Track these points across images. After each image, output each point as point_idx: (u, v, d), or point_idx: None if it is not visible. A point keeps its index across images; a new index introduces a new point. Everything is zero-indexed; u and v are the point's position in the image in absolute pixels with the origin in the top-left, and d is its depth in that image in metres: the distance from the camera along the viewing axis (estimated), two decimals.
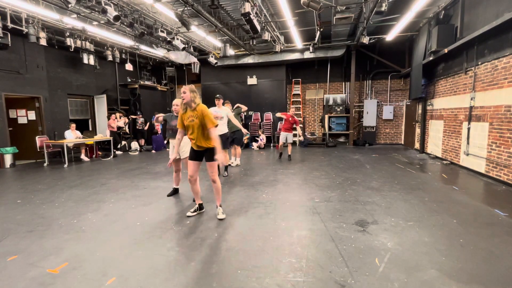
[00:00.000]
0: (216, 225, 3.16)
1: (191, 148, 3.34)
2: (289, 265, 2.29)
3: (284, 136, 7.36)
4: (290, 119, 7.31)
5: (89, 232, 3.03)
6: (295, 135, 11.01)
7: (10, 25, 6.17)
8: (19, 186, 5.12)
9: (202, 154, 3.30)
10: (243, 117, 9.63)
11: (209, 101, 12.16)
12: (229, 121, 5.74)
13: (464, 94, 6.08)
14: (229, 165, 6.44)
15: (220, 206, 3.43)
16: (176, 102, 4.06)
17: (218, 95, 5.76)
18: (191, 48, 9.23)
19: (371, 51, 10.24)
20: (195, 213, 3.50)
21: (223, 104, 5.91)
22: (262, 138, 10.44)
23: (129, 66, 10.45)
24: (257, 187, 4.73)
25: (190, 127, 3.21)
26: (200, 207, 3.57)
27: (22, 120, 8.21)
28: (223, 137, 5.27)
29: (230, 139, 6.02)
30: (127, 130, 10.25)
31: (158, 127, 10.35)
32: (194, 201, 3.83)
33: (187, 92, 3.13)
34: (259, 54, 10.69)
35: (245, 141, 10.37)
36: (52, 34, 7.65)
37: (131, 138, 10.40)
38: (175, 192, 4.41)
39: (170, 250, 2.59)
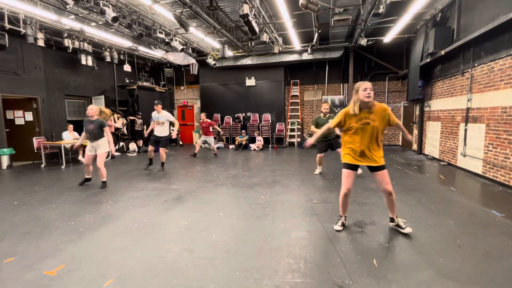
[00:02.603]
0: (215, 226, 3.16)
1: (348, 156, 2.80)
2: (287, 266, 2.29)
3: (204, 139, 8.41)
4: (204, 125, 8.32)
5: (86, 233, 3.02)
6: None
7: (7, 25, 6.15)
8: (16, 187, 5.09)
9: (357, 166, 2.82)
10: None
11: (208, 103, 12.21)
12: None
13: (461, 95, 6.12)
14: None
15: (397, 217, 2.95)
16: (91, 107, 4.77)
17: (157, 101, 6.25)
18: (190, 49, 9.23)
19: (369, 52, 10.29)
20: (342, 228, 3.01)
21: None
22: (260, 139, 10.44)
23: (127, 67, 10.43)
24: (255, 188, 4.73)
25: (360, 130, 2.70)
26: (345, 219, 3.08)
27: (19, 121, 8.16)
28: (163, 139, 6.15)
29: (327, 144, 5.60)
30: (125, 131, 10.22)
31: None
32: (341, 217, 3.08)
33: (372, 90, 2.63)
34: (258, 55, 10.71)
35: (243, 142, 10.38)
36: (50, 35, 7.62)
37: (129, 139, 10.37)
38: (87, 180, 5.08)
39: (168, 251, 2.58)
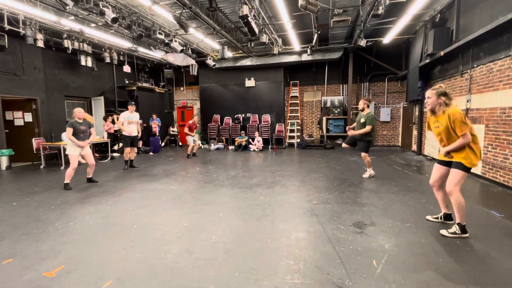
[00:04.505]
0: (214, 227, 3.15)
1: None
2: (287, 267, 2.29)
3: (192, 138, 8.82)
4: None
5: (85, 234, 3.01)
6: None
7: (7, 26, 6.15)
8: (15, 188, 5.07)
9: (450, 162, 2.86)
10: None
11: (207, 104, 12.22)
12: (374, 129, 5.37)
13: (460, 96, 6.13)
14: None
15: (459, 224, 2.80)
16: (78, 110, 4.95)
17: (132, 102, 6.86)
18: (189, 50, 9.23)
19: (368, 53, 10.31)
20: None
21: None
22: (259, 140, 10.44)
23: (127, 68, 10.42)
24: (255, 189, 4.73)
25: (438, 135, 2.85)
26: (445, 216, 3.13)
27: (19, 122, 8.15)
28: (136, 137, 6.68)
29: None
30: None
31: (156, 129, 10.32)
32: None
33: (432, 97, 2.77)
34: (257, 56, 10.72)
35: (243, 143, 10.38)
36: (50, 36, 7.62)
37: None
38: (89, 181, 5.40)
39: (167, 252, 2.57)
